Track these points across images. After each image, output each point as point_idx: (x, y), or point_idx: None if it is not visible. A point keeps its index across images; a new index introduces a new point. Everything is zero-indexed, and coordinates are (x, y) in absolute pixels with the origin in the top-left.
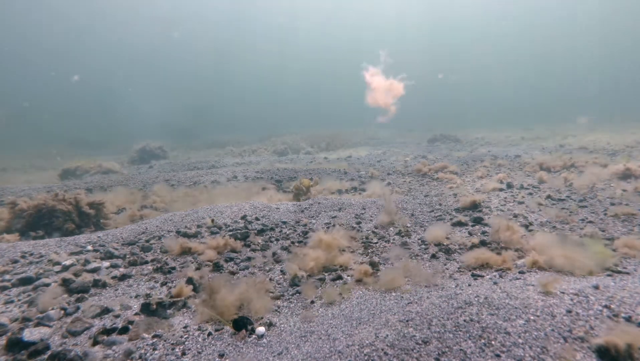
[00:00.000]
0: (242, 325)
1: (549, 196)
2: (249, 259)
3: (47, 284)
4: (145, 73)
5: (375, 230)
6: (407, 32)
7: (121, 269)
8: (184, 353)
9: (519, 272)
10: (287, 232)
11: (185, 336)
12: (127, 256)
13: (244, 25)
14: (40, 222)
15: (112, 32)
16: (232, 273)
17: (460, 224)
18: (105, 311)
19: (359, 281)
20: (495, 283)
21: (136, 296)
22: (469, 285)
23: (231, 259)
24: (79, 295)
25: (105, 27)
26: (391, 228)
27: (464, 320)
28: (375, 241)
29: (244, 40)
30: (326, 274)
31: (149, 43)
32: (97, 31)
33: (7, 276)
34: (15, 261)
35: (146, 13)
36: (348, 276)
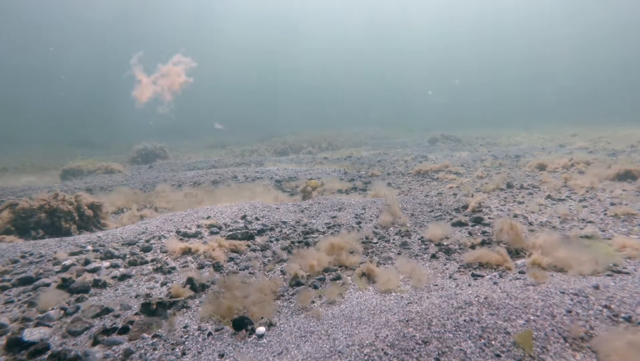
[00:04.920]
0: (242, 325)
1: (549, 196)
2: (249, 259)
3: (47, 284)
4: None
5: (376, 230)
6: (405, 32)
7: (121, 269)
8: (184, 353)
9: (519, 272)
10: (287, 232)
11: (185, 336)
12: (127, 256)
13: (242, 25)
14: (39, 222)
15: (103, 29)
16: (232, 273)
17: (460, 224)
18: (105, 311)
19: (364, 277)
20: (495, 283)
21: (136, 296)
22: (469, 285)
23: (231, 259)
24: (79, 295)
25: (103, 23)
26: (391, 228)
27: (464, 320)
28: (376, 241)
29: (243, 41)
30: (326, 274)
31: (147, 41)
32: (94, 26)
33: (7, 276)
34: (15, 261)
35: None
36: (348, 276)
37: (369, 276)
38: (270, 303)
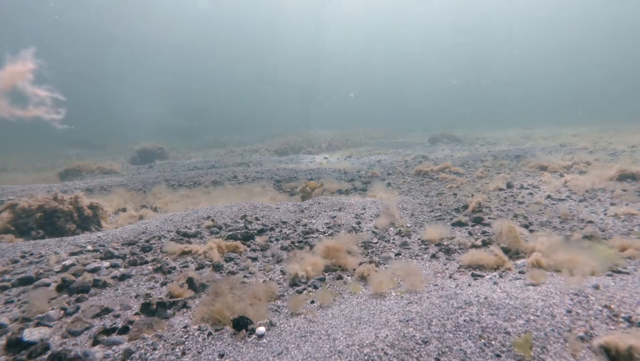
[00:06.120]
0: (242, 325)
1: (549, 196)
2: (249, 259)
3: (47, 284)
4: (143, 73)
5: (375, 230)
6: (404, 33)
7: (121, 269)
8: (184, 353)
9: (519, 272)
10: (287, 232)
11: (185, 336)
12: (127, 256)
13: (242, 25)
14: (39, 223)
15: (106, 29)
16: (232, 273)
17: (460, 224)
18: (105, 311)
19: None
20: (495, 283)
21: (136, 296)
22: (469, 285)
23: (231, 259)
24: (79, 295)
25: (98, 24)
26: (391, 228)
27: (464, 320)
28: (376, 241)
29: (242, 40)
30: (326, 274)
31: (147, 42)
32: (90, 26)
33: (7, 276)
34: (15, 261)
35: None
36: (348, 276)
37: (363, 278)
38: (264, 307)
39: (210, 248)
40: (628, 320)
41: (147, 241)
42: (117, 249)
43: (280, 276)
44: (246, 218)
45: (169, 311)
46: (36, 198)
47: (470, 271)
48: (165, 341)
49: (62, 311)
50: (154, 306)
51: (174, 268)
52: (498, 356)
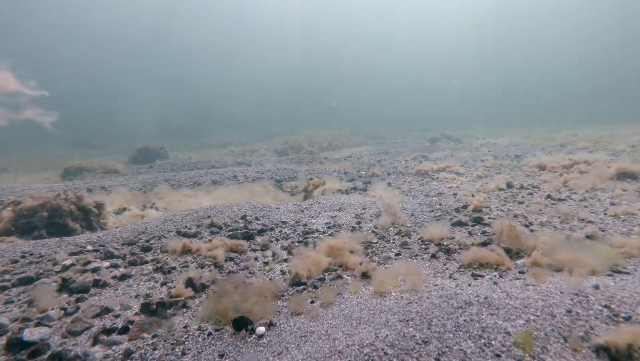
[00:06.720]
0: (242, 324)
1: (549, 196)
2: (249, 259)
3: (48, 285)
4: (143, 71)
5: (376, 230)
6: (403, 32)
7: (121, 269)
8: (184, 353)
9: (519, 272)
10: (287, 232)
11: (185, 336)
12: (127, 256)
13: (243, 23)
14: (41, 221)
15: (106, 28)
16: (232, 273)
17: (460, 224)
18: (105, 311)
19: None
20: (495, 283)
21: (136, 296)
22: (469, 285)
23: (231, 259)
24: (79, 295)
25: (99, 22)
26: (391, 228)
27: (464, 320)
28: (376, 241)
29: (243, 38)
30: (326, 274)
31: (147, 39)
32: (91, 25)
33: (7, 276)
34: (15, 261)
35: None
36: (348, 276)
37: (365, 278)
38: (270, 304)
39: (215, 246)
40: (628, 319)
41: (147, 241)
42: (117, 249)
43: (280, 276)
44: (246, 217)
45: (169, 311)
46: (38, 197)
47: (470, 271)
48: (165, 341)
49: (62, 311)
50: (154, 306)
51: (174, 268)
52: (498, 356)
